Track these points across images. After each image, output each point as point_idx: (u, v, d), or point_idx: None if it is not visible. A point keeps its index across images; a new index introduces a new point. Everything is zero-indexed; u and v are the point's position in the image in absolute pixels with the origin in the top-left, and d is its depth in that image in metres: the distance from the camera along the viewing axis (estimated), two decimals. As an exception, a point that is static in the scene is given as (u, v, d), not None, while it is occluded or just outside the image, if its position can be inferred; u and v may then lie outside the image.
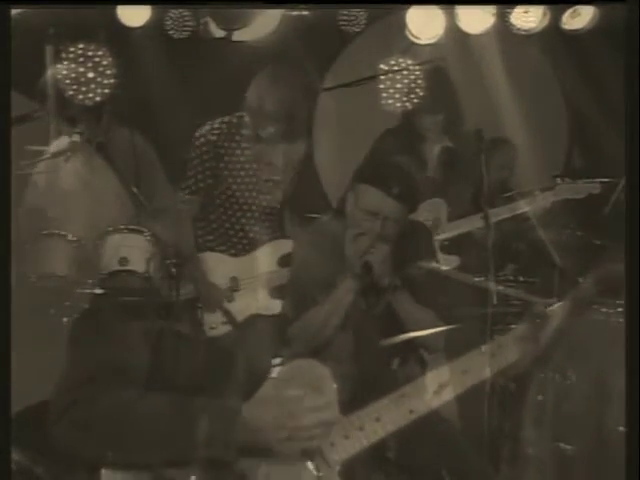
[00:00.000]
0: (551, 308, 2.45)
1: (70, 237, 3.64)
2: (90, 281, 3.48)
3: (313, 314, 3.03)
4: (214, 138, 3.78)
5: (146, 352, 2.23)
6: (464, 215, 4.13)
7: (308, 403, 2.13)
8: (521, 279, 3.94)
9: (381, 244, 2.96)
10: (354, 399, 2.36)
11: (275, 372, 2.26)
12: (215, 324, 3.58)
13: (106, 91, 3.67)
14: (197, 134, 3.81)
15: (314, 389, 2.20)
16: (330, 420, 2.18)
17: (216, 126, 3.81)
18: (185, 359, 2.31)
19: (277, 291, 3.83)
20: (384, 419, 2.28)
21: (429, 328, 2.93)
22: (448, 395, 2.34)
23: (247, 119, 3.77)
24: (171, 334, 2.31)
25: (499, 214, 3.84)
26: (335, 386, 2.25)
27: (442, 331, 2.93)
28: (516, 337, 2.42)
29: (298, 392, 2.13)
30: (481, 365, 2.39)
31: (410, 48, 4.59)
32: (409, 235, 3.12)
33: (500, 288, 2.98)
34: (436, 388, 2.33)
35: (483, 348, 2.41)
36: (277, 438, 2.08)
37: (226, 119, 3.84)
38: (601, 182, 3.98)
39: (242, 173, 3.84)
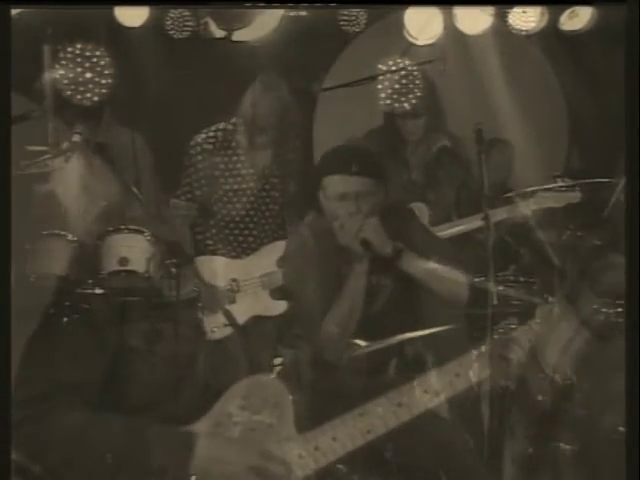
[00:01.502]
0: (521, 327, 2.45)
1: (70, 237, 3.64)
2: (90, 281, 3.47)
3: (335, 312, 3.02)
4: (210, 147, 3.82)
5: (101, 369, 2.20)
6: (446, 219, 4.12)
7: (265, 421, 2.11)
8: (521, 279, 3.94)
9: (368, 219, 3.01)
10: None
11: (232, 388, 2.23)
12: (217, 327, 3.58)
13: (104, 91, 3.67)
14: (192, 143, 3.84)
15: (270, 406, 2.18)
16: (285, 438, 2.16)
17: (211, 134, 3.84)
18: (182, 363, 2.28)
19: (277, 292, 3.84)
20: (340, 438, 2.24)
21: (452, 278, 3.00)
22: (406, 415, 2.31)
23: (241, 127, 3.80)
24: (129, 348, 2.27)
25: (474, 222, 3.80)
26: (291, 400, 2.23)
27: (464, 284, 2.94)
28: (481, 356, 2.40)
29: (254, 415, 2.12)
30: (442, 384, 2.37)
31: (410, 49, 4.59)
32: (393, 219, 3.14)
33: (500, 288, 2.98)
34: (394, 408, 2.30)
35: (446, 368, 2.39)
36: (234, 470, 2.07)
37: (221, 126, 3.87)
38: (582, 190, 3.96)
39: (239, 179, 3.87)
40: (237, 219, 3.87)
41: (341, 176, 3.03)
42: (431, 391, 2.35)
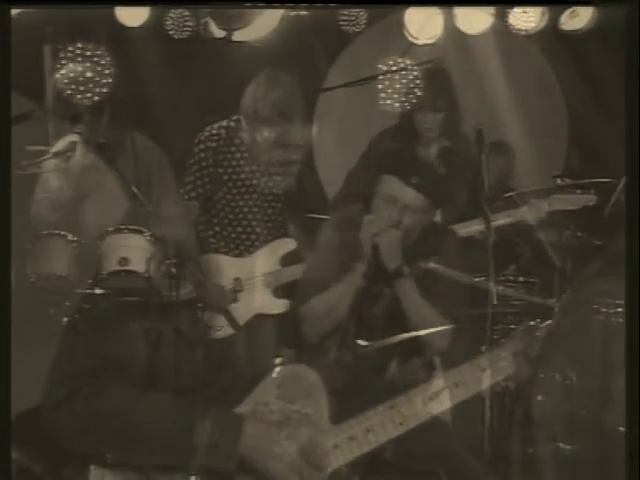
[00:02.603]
0: (542, 325, 2.45)
1: (70, 237, 3.64)
2: (90, 281, 3.47)
3: (322, 297, 3.03)
4: (214, 145, 3.81)
5: (148, 349, 2.22)
6: (457, 218, 4.10)
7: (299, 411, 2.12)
8: (521, 279, 3.94)
9: (393, 230, 2.98)
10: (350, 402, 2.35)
11: (269, 378, 2.23)
12: (220, 326, 3.59)
13: (104, 90, 3.66)
14: (196, 141, 3.84)
15: (304, 396, 2.19)
16: (320, 429, 2.17)
17: (214, 132, 3.84)
18: (188, 359, 2.29)
19: (280, 290, 3.85)
20: (375, 429, 2.27)
21: (432, 325, 2.93)
22: (440, 408, 2.33)
23: (243, 123, 3.81)
24: (175, 333, 2.29)
25: (495, 220, 3.79)
26: (325, 394, 2.23)
27: (447, 331, 2.93)
28: (509, 352, 2.41)
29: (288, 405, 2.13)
30: (474, 378, 2.38)
31: (410, 48, 4.58)
32: (432, 237, 3.13)
33: (500, 288, 2.98)
34: (427, 401, 2.32)
35: (476, 362, 2.40)
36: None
37: (224, 123, 3.87)
38: (597, 193, 3.93)
39: (242, 176, 3.87)
40: (240, 217, 3.88)
41: (399, 181, 2.99)
42: (461, 385, 2.36)
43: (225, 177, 3.82)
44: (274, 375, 2.22)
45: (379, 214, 3.03)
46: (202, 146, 3.81)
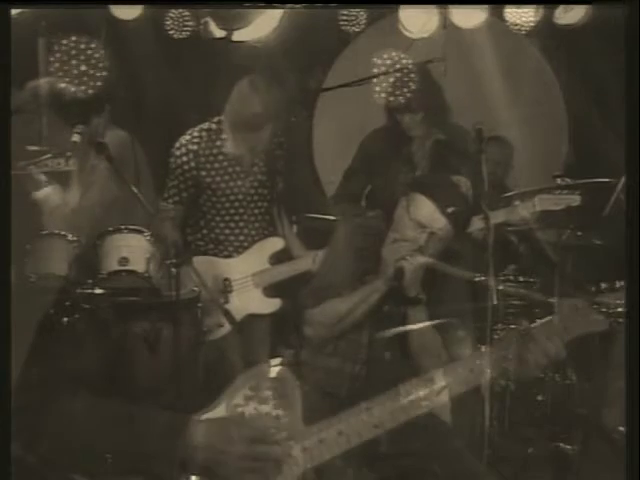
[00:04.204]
0: (535, 325, 2.41)
1: (70, 237, 3.64)
2: (90, 281, 3.47)
3: (335, 304, 2.99)
4: (195, 147, 3.83)
5: (102, 359, 2.20)
6: None
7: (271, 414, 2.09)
8: (521, 279, 3.94)
9: (419, 257, 2.93)
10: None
11: (239, 379, 2.20)
12: (212, 327, 3.59)
13: (99, 84, 3.66)
14: (177, 144, 3.86)
15: (278, 397, 2.17)
16: (291, 431, 2.14)
17: (196, 134, 3.85)
18: (186, 360, 2.28)
19: (270, 290, 3.85)
20: (347, 432, 2.22)
21: (433, 356, 2.90)
22: (417, 410, 2.29)
23: (226, 125, 3.82)
24: (174, 333, 2.28)
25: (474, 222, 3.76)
26: (300, 392, 2.20)
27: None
28: (497, 354, 2.38)
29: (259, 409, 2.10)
30: (456, 381, 2.34)
31: (409, 47, 4.58)
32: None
33: (500, 288, 2.97)
34: (405, 402, 2.28)
35: (460, 364, 2.37)
36: (231, 455, 2.04)
37: (205, 126, 3.89)
38: (582, 190, 3.94)
39: (226, 177, 3.87)
40: (227, 218, 3.88)
41: (434, 207, 2.92)
42: (441, 387, 2.33)
43: (208, 180, 3.83)
44: (272, 375, 2.19)
45: (403, 234, 2.97)
46: (184, 150, 3.83)
